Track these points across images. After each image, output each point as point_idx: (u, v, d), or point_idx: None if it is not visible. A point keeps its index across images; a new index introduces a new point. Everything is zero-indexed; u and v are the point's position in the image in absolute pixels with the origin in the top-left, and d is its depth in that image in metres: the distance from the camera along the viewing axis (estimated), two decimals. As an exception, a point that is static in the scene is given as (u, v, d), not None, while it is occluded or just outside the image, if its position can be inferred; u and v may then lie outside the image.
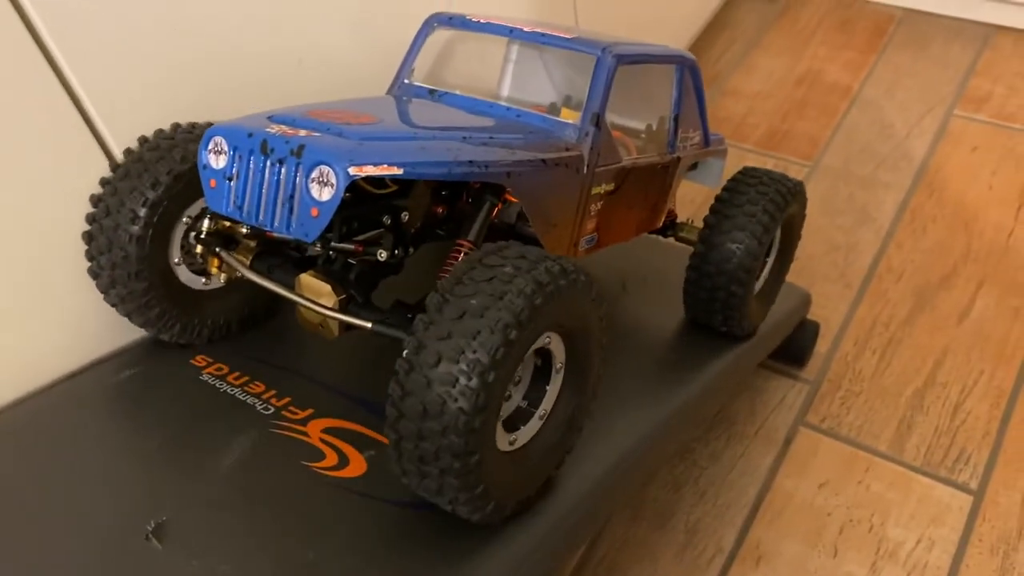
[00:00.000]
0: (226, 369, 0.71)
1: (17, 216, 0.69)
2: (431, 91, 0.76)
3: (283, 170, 0.56)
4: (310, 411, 0.67)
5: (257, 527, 0.57)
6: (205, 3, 0.79)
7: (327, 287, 0.61)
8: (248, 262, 0.67)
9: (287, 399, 0.68)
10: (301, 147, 0.55)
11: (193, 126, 0.71)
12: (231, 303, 0.75)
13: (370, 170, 0.54)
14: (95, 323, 0.73)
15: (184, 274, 0.71)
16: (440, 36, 0.82)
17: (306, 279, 0.62)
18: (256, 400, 0.68)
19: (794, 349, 1.08)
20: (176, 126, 0.71)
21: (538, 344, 0.56)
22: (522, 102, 0.87)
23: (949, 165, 1.42)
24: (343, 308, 0.61)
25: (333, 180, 0.54)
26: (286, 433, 0.65)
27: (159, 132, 0.71)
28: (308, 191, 0.55)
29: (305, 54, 0.86)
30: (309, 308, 0.61)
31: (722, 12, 1.74)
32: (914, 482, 0.97)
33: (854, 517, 0.93)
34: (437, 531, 0.58)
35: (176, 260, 0.70)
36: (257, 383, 0.70)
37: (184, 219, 0.69)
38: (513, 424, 0.59)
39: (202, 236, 0.68)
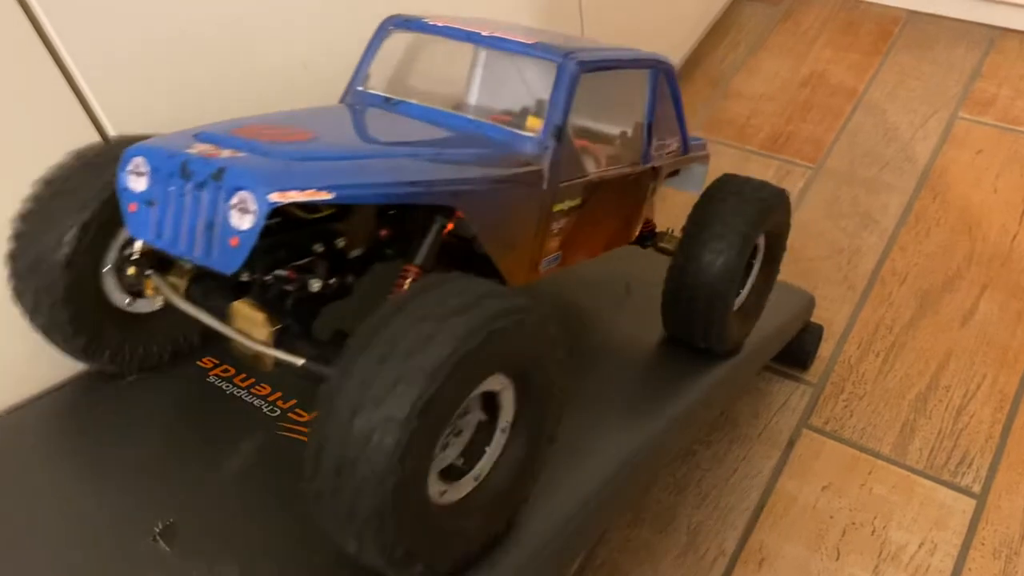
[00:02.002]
0: (232, 371, 0.71)
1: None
2: (386, 99, 0.71)
3: (203, 196, 0.51)
4: (316, 413, 0.68)
5: (263, 530, 0.58)
6: (215, 12, 0.80)
7: (261, 316, 0.56)
8: (184, 285, 0.62)
9: (293, 401, 0.68)
10: (221, 171, 0.51)
11: (126, 141, 0.64)
12: (168, 327, 0.70)
13: (294, 196, 0.50)
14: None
15: (116, 297, 0.66)
16: (404, 39, 0.77)
17: (239, 307, 0.57)
18: (262, 402, 0.68)
19: (797, 352, 1.08)
20: (106, 140, 0.66)
21: (482, 389, 0.51)
22: (490, 110, 0.83)
23: (954, 168, 1.42)
24: (277, 340, 0.56)
25: (253, 207, 0.49)
26: (292, 435, 0.65)
27: (91, 146, 0.65)
28: (228, 219, 0.50)
29: (311, 58, 0.86)
30: (241, 340, 0.56)
31: (726, 14, 1.74)
32: (917, 485, 0.97)
33: (857, 520, 0.93)
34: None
35: (107, 284, 0.65)
36: (263, 385, 0.70)
37: (115, 240, 0.64)
38: (450, 476, 0.54)
39: (134, 257, 0.63)
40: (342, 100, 0.74)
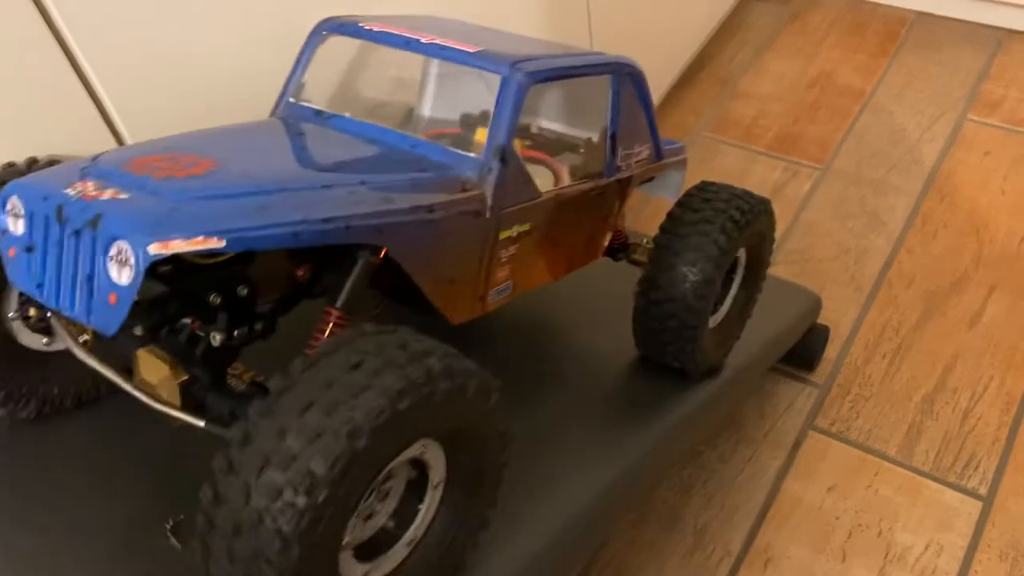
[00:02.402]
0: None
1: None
2: (318, 113, 0.64)
3: (81, 244, 0.45)
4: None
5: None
6: (224, 24, 0.79)
7: (166, 369, 0.50)
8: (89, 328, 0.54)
9: None
10: (98, 216, 0.45)
11: (32, 162, 0.59)
12: (77, 368, 0.60)
13: (179, 245, 0.44)
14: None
15: (29, 339, 0.61)
16: (351, 45, 0.70)
17: (144, 357, 0.51)
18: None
19: (804, 353, 1.08)
20: (8, 165, 0.58)
21: (410, 454, 0.47)
22: (442, 122, 0.76)
23: (961, 170, 1.42)
24: (185, 392, 0.50)
25: (131, 260, 0.44)
26: None
27: None
28: (107, 272, 0.45)
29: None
30: (142, 398, 0.50)
31: (733, 15, 1.74)
32: (923, 487, 0.97)
33: (862, 521, 0.93)
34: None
35: (14, 330, 0.60)
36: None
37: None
38: (372, 551, 0.49)
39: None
40: (273, 113, 0.67)
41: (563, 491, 0.64)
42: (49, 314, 0.56)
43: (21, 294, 0.59)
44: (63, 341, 0.54)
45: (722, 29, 1.70)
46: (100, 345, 0.54)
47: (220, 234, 0.45)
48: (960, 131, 1.48)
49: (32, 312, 0.58)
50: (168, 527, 0.54)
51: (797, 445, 1.02)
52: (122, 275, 0.44)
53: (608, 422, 0.74)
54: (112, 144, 0.72)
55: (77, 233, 0.46)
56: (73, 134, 0.70)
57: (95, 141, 0.71)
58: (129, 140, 0.73)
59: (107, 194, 0.46)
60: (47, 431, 0.65)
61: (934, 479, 0.98)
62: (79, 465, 0.62)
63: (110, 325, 0.46)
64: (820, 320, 1.08)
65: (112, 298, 0.45)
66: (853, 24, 1.74)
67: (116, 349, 0.53)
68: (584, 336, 0.85)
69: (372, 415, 0.41)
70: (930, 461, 1.00)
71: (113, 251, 0.44)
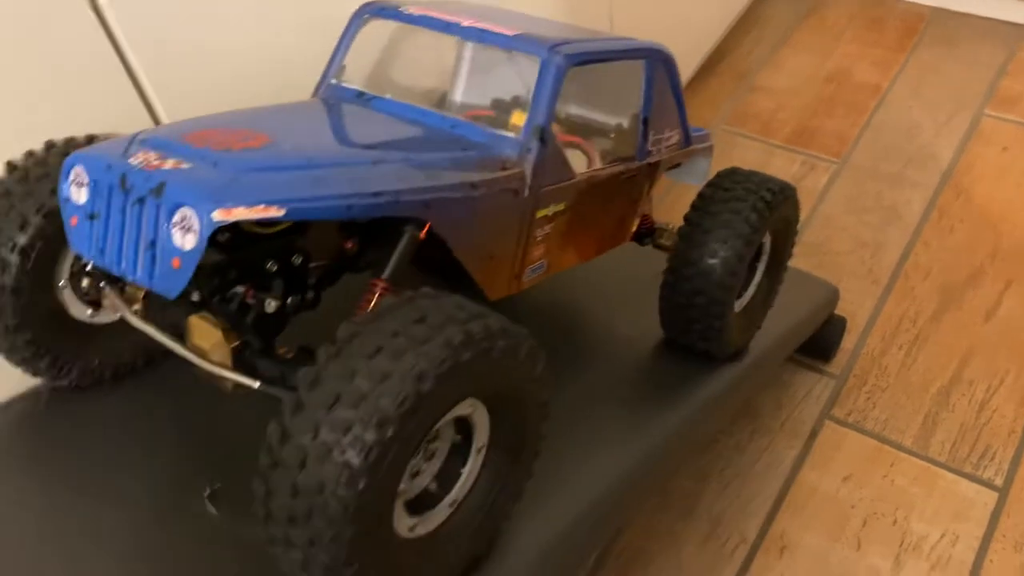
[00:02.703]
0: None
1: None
2: (360, 94, 0.66)
3: (144, 211, 0.47)
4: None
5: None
6: (261, 13, 0.80)
7: (218, 334, 0.52)
8: (142, 295, 0.57)
9: None
10: (162, 185, 0.46)
11: (69, 142, 0.61)
12: (138, 334, 0.63)
13: (241, 213, 0.46)
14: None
15: (77, 311, 0.63)
16: (387, 28, 0.72)
17: (197, 323, 0.53)
18: None
19: (821, 343, 1.08)
20: (50, 145, 0.60)
21: (459, 412, 0.48)
22: (476, 104, 0.78)
23: (978, 165, 1.42)
24: (237, 357, 0.52)
25: (196, 226, 0.45)
26: None
27: (29, 155, 0.60)
28: (169, 238, 0.46)
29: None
30: (196, 361, 0.52)
31: (752, 9, 1.74)
32: (939, 477, 0.98)
33: (878, 511, 0.94)
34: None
35: (65, 298, 0.62)
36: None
37: (69, 254, 0.60)
38: (419, 506, 0.50)
39: (88, 269, 0.59)
40: (315, 94, 0.69)
41: (588, 470, 0.66)
42: (102, 284, 0.58)
43: (73, 266, 0.61)
44: (117, 309, 0.57)
45: (740, 23, 1.70)
46: (148, 315, 0.56)
47: (279, 203, 0.47)
48: (977, 127, 1.48)
49: (86, 282, 0.59)
50: (206, 494, 0.55)
51: (813, 435, 1.03)
52: (186, 241, 0.46)
53: (631, 405, 0.75)
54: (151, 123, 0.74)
55: (141, 200, 0.47)
56: (115, 118, 0.71)
57: (137, 124, 0.73)
58: (167, 121, 0.75)
59: (169, 164, 0.48)
60: (88, 405, 0.66)
61: (950, 469, 0.99)
62: (119, 432, 0.64)
63: (173, 288, 0.48)
64: (837, 312, 1.09)
65: (176, 262, 0.47)
66: (871, 19, 1.74)
67: (166, 318, 0.55)
68: (606, 320, 0.86)
69: (436, 362, 0.43)
70: (946, 452, 1.01)
71: (177, 218, 0.46)
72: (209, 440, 0.63)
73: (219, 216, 0.45)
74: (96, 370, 0.65)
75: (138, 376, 0.68)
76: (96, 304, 0.63)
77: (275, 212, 0.47)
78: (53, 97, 0.69)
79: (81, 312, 0.63)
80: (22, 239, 0.57)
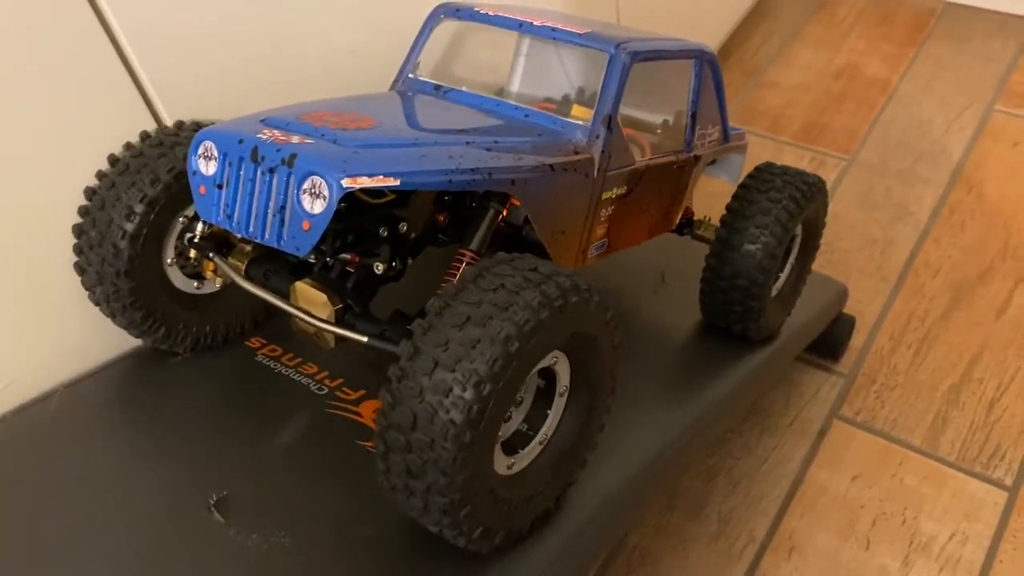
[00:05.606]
0: (280, 350, 0.73)
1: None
2: (436, 87, 0.73)
3: (274, 180, 0.53)
4: (362, 392, 0.69)
5: (315, 504, 0.59)
6: (266, 6, 0.81)
7: (323, 297, 0.58)
8: (243, 266, 0.64)
9: (339, 380, 0.70)
10: (293, 156, 0.52)
11: (198, 125, 0.69)
12: (224, 309, 0.73)
13: (365, 181, 0.52)
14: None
15: (176, 277, 0.69)
16: (450, 27, 0.79)
17: (301, 287, 0.59)
18: (310, 381, 0.70)
19: (829, 342, 1.08)
20: (180, 123, 0.69)
21: (543, 363, 0.53)
22: (531, 98, 0.84)
23: (989, 161, 1.41)
24: (339, 318, 0.58)
25: (326, 192, 0.51)
26: (340, 413, 0.67)
27: (162, 128, 0.69)
28: (300, 203, 0.52)
29: (357, 44, 0.87)
30: (302, 320, 0.58)
31: (760, 4, 1.73)
32: (948, 477, 0.97)
33: (887, 510, 0.94)
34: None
35: (169, 261, 0.68)
36: (310, 364, 0.71)
37: (180, 219, 0.67)
38: (512, 448, 0.56)
39: (196, 239, 0.66)
40: (393, 87, 0.75)
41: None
42: (210, 255, 0.64)
43: (178, 244, 0.68)
44: (226, 277, 0.64)
45: (748, 18, 1.70)
46: (251, 283, 0.62)
47: (395, 175, 0.53)
48: (988, 122, 1.47)
49: (193, 253, 0.66)
50: (211, 503, 0.57)
51: (822, 434, 1.02)
52: (315, 205, 0.52)
53: (642, 404, 0.76)
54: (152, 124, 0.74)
55: (271, 170, 0.53)
56: (117, 117, 0.73)
57: (138, 124, 0.73)
58: (168, 120, 0.75)
59: (295, 139, 0.54)
60: (101, 405, 0.69)
61: (959, 469, 0.98)
62: (124, 439, 0.65)
63: (303, 248, 0.53)
64: (846, 310, 1.08)
65: (306, 225, 0.53)
66: (880, 14, 1.73)
67: (269, 284, 0.62)
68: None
69: (519, 324, 0.48)
70: (955, 451, 1.00)
71: (307, 185, 0.52)
72: (211, 451, 0.64)
73: (347, 183, 0.51)
74: (207, 335, 0.72)
75: (135, 390, 0.71)
76: (199, 277, 0.70)
77: (392, 182, 0.53)
78: (54, 98, 0.70)
79: (187, 285, 0.70)
80: (151, 191, 0.64)
